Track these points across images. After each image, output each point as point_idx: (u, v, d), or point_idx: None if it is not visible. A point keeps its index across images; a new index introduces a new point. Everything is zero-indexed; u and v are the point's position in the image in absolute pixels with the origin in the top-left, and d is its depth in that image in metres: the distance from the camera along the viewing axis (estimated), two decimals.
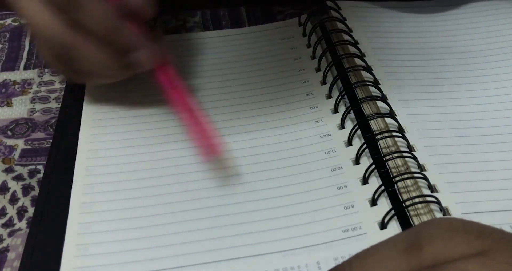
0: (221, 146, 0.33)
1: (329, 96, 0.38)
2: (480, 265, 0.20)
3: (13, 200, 0.34)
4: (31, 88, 0.41)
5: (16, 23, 0.47)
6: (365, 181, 0.33)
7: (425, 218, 0.30)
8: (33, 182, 0.35)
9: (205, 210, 0.32)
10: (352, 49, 0.40)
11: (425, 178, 0.32)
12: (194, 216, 0.32)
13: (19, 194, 0.34)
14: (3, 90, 0.41)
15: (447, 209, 0.31)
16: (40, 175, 0.35)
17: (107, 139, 0.36)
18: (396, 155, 0.33)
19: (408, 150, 0.33)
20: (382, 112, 0.35)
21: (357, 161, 0.34)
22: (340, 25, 0.42)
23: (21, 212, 0.33)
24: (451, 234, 0.21)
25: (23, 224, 0.33)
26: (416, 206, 0.30)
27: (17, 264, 0.30)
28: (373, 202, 0.31)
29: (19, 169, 0.36)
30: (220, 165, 0.32)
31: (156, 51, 0.34)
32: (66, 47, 0.32)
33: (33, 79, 0.42)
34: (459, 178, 0.32)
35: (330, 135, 0.36)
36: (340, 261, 0.24)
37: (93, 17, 0.31)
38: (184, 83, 0.34)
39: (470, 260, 0.20)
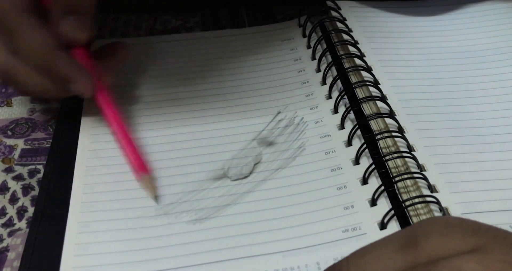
0: (150, 166, 0.34)
1: (329, 97, 0.38)
2: (475, 262, 0.20)
3: (13, 200, 0.34)
4: None
5: None
6: (365, 181, 0.33)
7: (425, 218, 0.30)
8: (33, 182, 0.35)
9: (205, 211, 0.32)
10: (352, 49, 0.40)
11: (425, 178, 0.32)
12: (194, 216, 0.32)
13: (19, 194, 0.34)
14: (3, 90, 0.41)
15: (446, 209, 0.31)
16: (40, 175, 0.35)
17: (107, 139, 0.36)
18: (396, 155, 0.33)
19: (407, 150, 0.33)
20: (382, 112, 0.35)
21: (357, 161, 0.34)
22: (340, 25, 0.42)
23: (21, 212, 0.33)
24: (447, 231, 0.21)
25: (23, 224, 0.33)
26: (416, 206, 0.30)
27: (17, 264, 0.30)
28: (373, 202, 0.31)
29: (19, 169, 0.36)
30: (149, 184, 0.33)
31: (92, 81, 0.34)
32: (6, 72, 0.33)
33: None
34: (458, 178, 0.32)
35: (330, 136, 0.36)
36: None
37: (30, 47, 0.32)
38: (120, 107, 0.35)
39: (465, 257, 0.20)
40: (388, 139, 0.34)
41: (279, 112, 0.38)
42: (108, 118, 0.35)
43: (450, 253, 0.21)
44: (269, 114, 0.37)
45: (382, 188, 0.31)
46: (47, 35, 0.32)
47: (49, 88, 0.34)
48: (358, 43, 0.41)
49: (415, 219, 0.30)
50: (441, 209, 0.30)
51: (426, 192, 0.31)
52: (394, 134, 0.34)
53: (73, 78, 0.33)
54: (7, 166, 0.36)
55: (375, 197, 0.31)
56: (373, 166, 0.33)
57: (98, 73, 0.35)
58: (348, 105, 0.36)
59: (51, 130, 0.38)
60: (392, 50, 0.41)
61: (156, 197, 0.32)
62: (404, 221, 0.30)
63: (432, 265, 0.20)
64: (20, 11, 0.31)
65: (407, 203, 0.30)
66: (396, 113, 0.36)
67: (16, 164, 0.36)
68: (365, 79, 0.38)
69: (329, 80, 0.39)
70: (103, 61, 0.36)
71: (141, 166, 0.33)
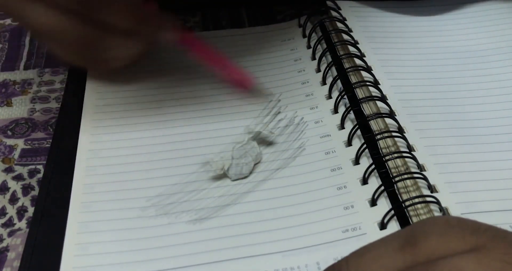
0: (253, 79, 0.38)
1: (329, 97, 0.38)
2: (474, 262, 0.20)
3: (13, 200, 0.34)
4: (31, 88, 0.41)
5: (16, 23, 0.47)
6: (364, 181, 0.33)
7: (424, 218, 0.30)
8: (33, 182, 0.35)
9: (205, 211, 0.32)
10: (352, 49, 0.40)
11: (425, 178, 0.32)
12: (194, 216, 0.32)
13: (19, 194, 0.34)
14: (3, 90, 0.41)
15: (446, 209, 0.31)
16: (40, 175, 0.35)
17: (107, 139, 0.36)
18: (395, 155, 0.33)
19: (407, 150, 0.33)
20: (382, 112, 0.35)
21: (356, 161, 0.34)
22: (340, 25, 0.42)
23: (21, 212, 0.33)
24: (446, 231, 0.21)
25: (23, 224, 0.33)
26: (415, 206, 0.30)
27: (17, 264, 0.30)
28: (373, 202, 0.31)
29: (19, 169, 0.36)
30: (256, 94, 0.37)
31: (176, 24, 0.36)
32: (92, 43, 0.33)
33: (33, 79, 0.42)
34: (458, 178, 0.32)
35: (330, 136, 0.36)
36: None
37: (118, 15, 0.33)
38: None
39: (464, 256, 0.20)
40: (388, 139, 0.34)
41: (279, 112, 0.38)
42: (200, 53, 0.37)
43: (450, 253, 0.21)
44: (268, 113, 0.37)
45: (382, 188, 0.31)
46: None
47: (135, 46, 0.35)
48: (358, 43, 0.41)
49: (415, 219, 0.30)
50: (441, 209, 0.30)
51: (426, 192, 0.31)
52: (394, 134, 0.34)
53: (160, 26, 0.35)
54: (7, 166, 0.36)
55: (375, 197, 0.31)
56: (373, 166, 0.33)
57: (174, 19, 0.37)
58: (348, 105, 0.36)
59: (51, 130, 0.38)
60: (392, 50, 0.41)
61: (268, 92, 0.37)
62: (404, 221, 0.30)
63: (431, 264, 0.20)
64: None
65: (407, 203, 0.30)
66: (396, 113, 0.36)
67: (16, 164, 0.36)
68: (365, 79, 0.38)
69: (329, 80, 0.39)
70: None
71: (247, 82, 0.37)
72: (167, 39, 0.36)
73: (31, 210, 0.33)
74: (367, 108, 0.36)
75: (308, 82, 0.40)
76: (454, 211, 0.30)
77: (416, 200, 0.31)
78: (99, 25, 0.33)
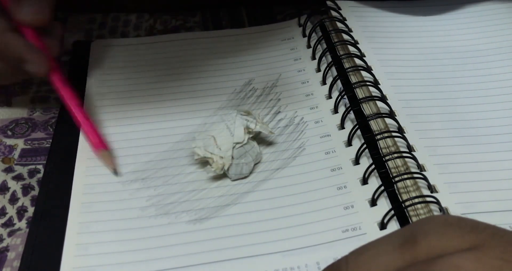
0: (107, 142, 0.35)
1: (329, 97, 0.38)
2: (472, 260, 0.20)
3: (13, 200, 0.34)
4: (31, 88, 0.41)
5: None
6: (364, 181, 0.33)
7: (424, 217, 0.30)
8: (33, 182, 0.35)
9: (205, 211, 0.32)
10: (352, 49, 0.40)
11: (425, 178, 0.32)
12: (194, 216, 0.32)
13: (19, 194, 0.34)
14: (3, 90, 0.41)
15: (446, 209, 0.31)
16: (40, 175, 0.35)
17: (107, 140, 0.36)
18: (395, 155, 0.33)
19: (407, 150, 0.33)
20: (381, 112, 0.35)
21: (356, 161, 0.34)
22: (340, 25, 0.42)
23: (21, 212, 0.33)
24: (445, 230, 0.21)
25: (23, 224, 0.33)
26: (415, 206, 0.30)
27: (17, 264, 0.30)
28: (373, 202, 0.31)
29: (19, 169, 0.36)
30: (108, 158, 0.34)
31: (46, 60, 0.34)
32: None
33: (33, 79, 0.42)
34: (458, 179, 0.32)
35: (330, 136, 0.36)
36: None
37: None
38: (72, 87, 0.36)
39: (463, 255, 0.20)
40: (388, 139, 0.34)
41: (278, 112, 0.38)
42: (63, 98, 0.35)
43: (449, 251, 0.21)
44: (268, 113, 0.38)
45: (382, 188, 0.31)
46: None
47: (3, 71, 0.34)
48: (358, 43, 0.41)
49: (414, 219, 0.30)
50: (441, 209, 0.30)
51: (426, 192, 0.31)
52: (394, 134, 0.34)
53: (28, 58, 0.34)
54: (7, 166, 0.36)
55: (375, 197, 0.31)
56: (373, 166, 0.33)
57: (49, 53, 0.35)
58: (348, 105, 0.36)
59: (51, 130, 0.38)
60: (392, 50, 0.41)
61: (115, 171, 0.34)
62: (404, 221, 0.30)
63: (430, 262, 0.20)
64: None
65: (407, 203, 0.30)
66: (396, 113, 0.36)
67: (16, 164, 0.36)
68: (365, 79, 0.38)
69: (329, 80, 0.39)
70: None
71: (99, 143, 0.34)
72: (34, 72, 0.34)
73: (31, 210, 0.33)
74: (367, 108, 0.36)
75: (308, 82, 0.40)
76: (454, 211, 0.30)
77: (416, 200, 0.31)
78: None
